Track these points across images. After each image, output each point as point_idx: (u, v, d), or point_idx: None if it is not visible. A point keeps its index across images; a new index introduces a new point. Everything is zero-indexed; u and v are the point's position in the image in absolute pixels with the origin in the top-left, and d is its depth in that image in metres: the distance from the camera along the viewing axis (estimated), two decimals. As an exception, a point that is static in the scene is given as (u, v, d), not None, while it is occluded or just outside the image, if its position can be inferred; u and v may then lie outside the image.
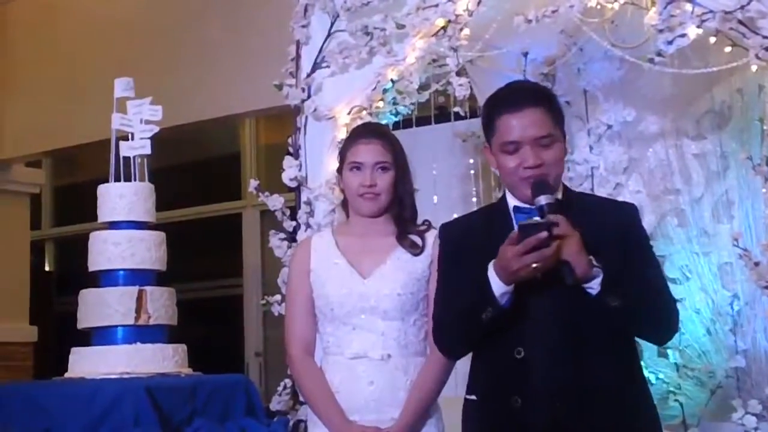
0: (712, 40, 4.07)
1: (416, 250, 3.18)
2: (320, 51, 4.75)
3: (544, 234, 2.47)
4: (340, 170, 3.27)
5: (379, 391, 3.11)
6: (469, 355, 2.76)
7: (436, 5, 4.36)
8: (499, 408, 2.64)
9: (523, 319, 2.61)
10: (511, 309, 2.58)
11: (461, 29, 4.40)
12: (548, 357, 2.60)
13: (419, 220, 3.26)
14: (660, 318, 2.70)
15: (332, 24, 4.73)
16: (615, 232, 2.64)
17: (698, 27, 3.93)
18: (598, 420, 2.58)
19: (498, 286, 2.55)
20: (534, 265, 2.48)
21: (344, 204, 3.35)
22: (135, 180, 4.69)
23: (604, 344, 2.61)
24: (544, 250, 2.47)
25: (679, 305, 4.63)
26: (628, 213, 2.74)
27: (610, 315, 2.57)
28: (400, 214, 3.22)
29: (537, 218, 2.55)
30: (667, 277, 4.68)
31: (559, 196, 2.67)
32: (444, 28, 4.43)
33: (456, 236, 2.83)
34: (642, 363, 2.86)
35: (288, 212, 4.83)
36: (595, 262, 2.52)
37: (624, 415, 2.61)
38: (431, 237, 3.21)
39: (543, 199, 2.58)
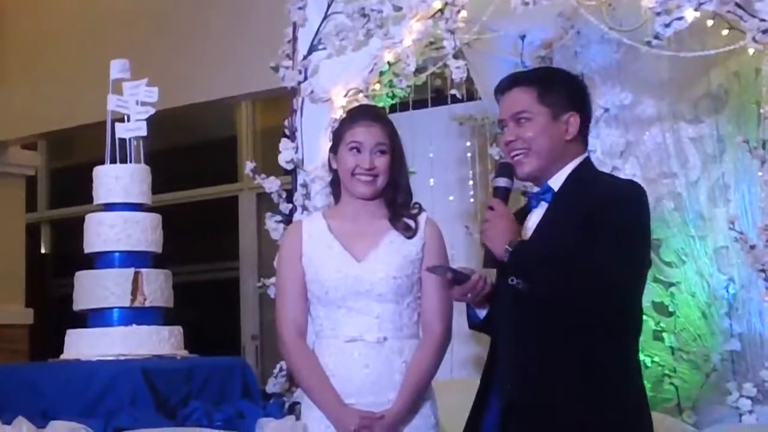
0: (710, 23, 4.08)
1: (409, 232, 3.18)
2: (317, 33, 4.74)
3: (448, 276, 2.85)
4: (334, 150, 3.26)
5: (374, 374, 3.12)
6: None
7: (434, -13, 4.36)
8: (480, 388, 2.89)
9: (493, 308, 2.88)
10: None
11: (458, 12, 4.40)
12: (505, 345, 2.80)
13: (412, 203, 3.26)
14: (577, 303, 2.64)
15: (329, 6, 4.72)
16: (581, 212, 2.68)
17: (695, 10, 3.93)
18: (546, 408, 2.67)
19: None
20: (468, 296, 2.83)
21: (333, 185, 3.34)
22: (131, 162, 4.67)
23: (552, 334, 2.68)
24: (464, 287, 2.81)
25: (674, 289, 4.72)
26: (609, 193, 2.73)
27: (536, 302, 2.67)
28: (394, 197, 3.22)
29: (443, 266, 2.95)
30: (662, 260, 4.77)
31: (562, 177, 2.80)
32: (441, 10, 4.42)
33: None
34: (621, 354, 2.74)
35: (284, 195, 4.83)
36: (508, 246, 2.68)
37: (575, 405, 2.65)
38: (423, 219, 3.22)
39: (500, 182, 2.85)
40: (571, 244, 2.62)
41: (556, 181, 2.83)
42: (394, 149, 3.21)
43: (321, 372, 3.14)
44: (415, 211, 3.23)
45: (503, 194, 2.84)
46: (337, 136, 3.27)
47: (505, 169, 2.88)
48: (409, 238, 3.17)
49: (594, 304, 2.62)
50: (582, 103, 2.89)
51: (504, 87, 2.89)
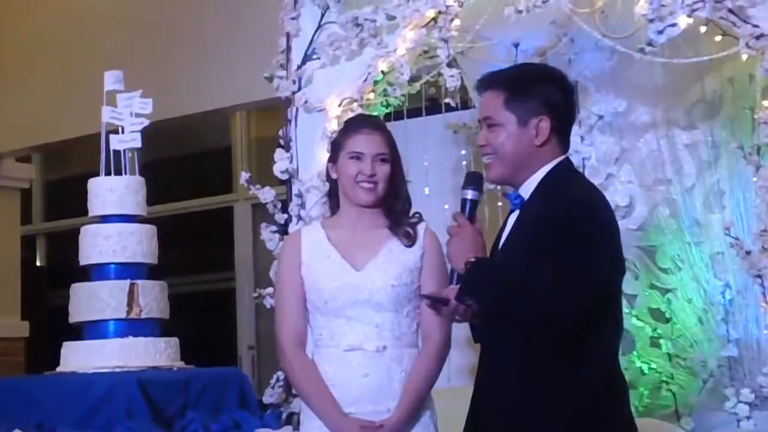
0: (703, 29, 4.08)
1: (409, 241, 3.18)
2: (310, 43, 4.75)
3: (427, 303, 2.95)
4: (333, 159, 3.27)
5: (374, 383, 3.11)
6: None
7: (427, -4, 4.36)
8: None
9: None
10: None
11: (452, 20, 4.40)
12: (481, 357, 2.79)
13: (410, 212, 3.27)
14: (512, 321, 2.60)
15: (322, 16, 4.73)
16: (528, 228, 2.64)
17: (688, 16, 3.94)
18: (498, 418, 2.66)
19: None
20: (456, 317, 2.83)
21: (331, 195, 3.34)
22: (125, 173, 4.68)
23: (500, 360, 2.67)
24: (448, 309, 2.82)
25: (671, 295, 4.72)
26: (547, 211, 2.61)
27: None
28: (393, 206, 3.23)
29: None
30: (658, 267, 4.77)
31: (533, 184, 2.74)
32: (434, 19, 4.43)
33: None
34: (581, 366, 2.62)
35: (279, 205, 4.83)
36: (464, 265, 2.66)
37: (524, 417, 2.62)
38: (422, 229, 3.23)
39: (468, 193, 2.80)
40: (523, 261, 2.57)
41: (526, 189, 2.76)
42: (393, 158, 3.22)
43: (320, 381, 3.14)
44: (414, 220, 3.24)
45: (471, 207, 2.79)
46: (337, 146, 3.27)
47: (474, 180, 2.83)
48: (409, 246, 3.17)
49: (532, 330, 2.55)
50: (555, 105, 2.74)
51: (479, 87, 2.85)
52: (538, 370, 2.59)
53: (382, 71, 4.57)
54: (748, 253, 4.08)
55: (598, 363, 2.65)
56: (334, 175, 3.27)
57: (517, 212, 2.78)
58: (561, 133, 2.77)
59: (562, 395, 2.58)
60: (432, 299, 2.93)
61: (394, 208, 3.23)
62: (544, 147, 2.74)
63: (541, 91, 2.74)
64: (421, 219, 3.26)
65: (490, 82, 2.82)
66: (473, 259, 2.67)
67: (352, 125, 3.30)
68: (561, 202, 2.63)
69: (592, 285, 2.58)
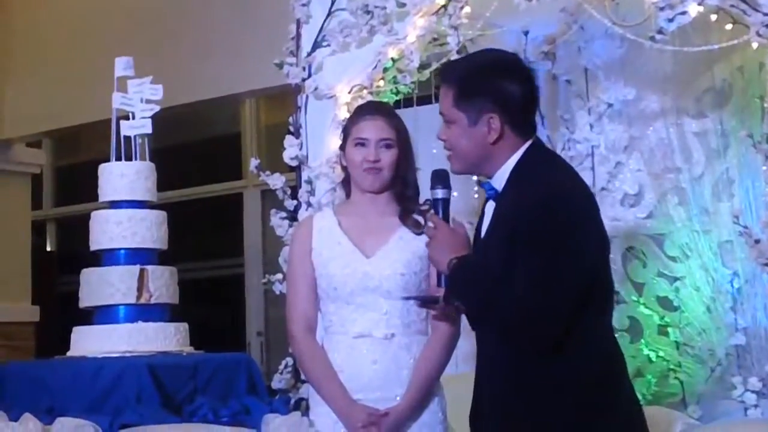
0: (713, 17, 4.07)
1: (419, 228, 3.19)
2: (321, 30, 4.75)
3: (417, 303, 3.09)
4: (343, 147, 3.28)
5: (382, 370, 3.13)
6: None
7: (437, -17, 4.36)
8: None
9: None
10: None
11: (462, 8, 4.40)
12: (477, 345, 2.76)
13: (420, 200, 3.27)
14: (497, 322, 2.58)
15: (333, 2, 4.73)
16: (508, 225, 2.58)
17: (699, 4, 3.93)
18: (485, 425, 2.68)
19: None
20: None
21: (345, 183, 3.36)
22: (136, 159, 4.69)
23: (492, 351, 2.66)
24: (439, 308, 2.94)
25: (679, 283, 4.73)
26: (524, 203, 2.55)
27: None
28: (403, 192, 3.24)
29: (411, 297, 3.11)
30: (667, 255, 4.77)
31: (505, 175, 2.68)
32: (444, 6, 4.42)
33: None
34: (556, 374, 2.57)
35: (289, 191, 4.84)
36: (446, 267, 2.65)
37: (503, 424, 2.62)
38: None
39: (438, 193, 2.80)
40: (501, 258, 2.55)
41: (498, 180, 2.71)
42: (400, 144, 3.22)
43: (330, 367, 3.16)
44: (425, 208, 3.25)
45: (442, 206, 2.77)
46: (345, 133, 3.28)
47: (441, 178, 2.80)
48: (419, 234, 3.18)
49: (518, 330, 2.52)
50: (506, 100, 2.65)
51: (439, 79, 2.82)
52: (527, 362, 2.56)
53: (392, 58, 4.57)
54: (757, 241, 4.08)
55: (590, 350, 2.58)
56: (344, 163, 3.29)
57: (492, 202, 2.74)
58: (518, 124, 2.69)
59: (554, 386, 2.55)
60: (421, 300, 2.95)
61: (404, 195, 3.24)
62: (499, 143, 2.67)
63: (490, 88, 2.67)
64: (430, 207, 3.27)
65: (443, 75, 2.80)
66: (455, 260, 2.64)
67: (358, 112, 3.31)
68: (534, 191, 2.56)
69: (576, 273, 2.50)
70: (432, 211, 2.83)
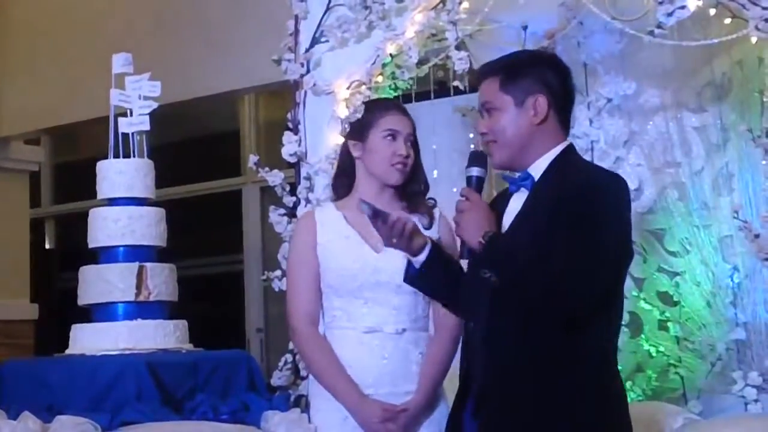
0: (712, 11, 4.07)
1: (427, 222, 3.20)
2: (319, 25, 4.73)
3: (368, 212, 2.87)
4: (360, 138, 3.25)
5: (392, 365, 3.13)
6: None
7: (435, -22, 4.35)
8: (461, 373, 2.84)
9: (463, 298, 2.89)
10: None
11: (460, 3, 4.39)
12: (475, 335, 2.77)
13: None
14: (528, 295, 2.62)
15: (330, -2, 4.71)
16: (553, 203, 2.64)
17: (698, -1, 3.92)
18: (512, 400, 2.66)
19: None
20: (394, 240, 2.84)
21: (341, 175, 3.33)
22: (134, 156, 4.68)
23: (521, 327, 2.66)
24: (388, 229, 2.84)
25: (679, 278, 4.72)
26: (572, 187, 2.65)
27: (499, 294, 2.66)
28: (412, 188, 3.25)
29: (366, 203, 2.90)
30: (667, 250, 4.77)
31: (544, 164, 2.76)
32: (443, 1, 4.42)
33: None
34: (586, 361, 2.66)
35: (288, 188, 4.83)
36: (482, 238, 2.66)
37: (519, 406, 2.65)
38: (437, 214, 3.24)
39: (473, 171, 2.82)
40: (540, 237, 2.60)
41: (536, 169, 2.78)
42: (416, 141, 3.27)
43: (337, 361, 3.15)
44: (431, 204, 3.26)
45: (477, 184, 2.82)
46: (367, 124, 3.26)
47: (478, 158, 2.86)
48: (427, 229, 3.18)
49: (548, 300, 2.58)
50: (550, 84, 2.79)
51: (478, 78, 2.90)
52: (536, 347, 2.63)
53: (391, 54, 4.56)
54: (757, 236, 4.08)
55: (595, 345, 2.68)
56: (356, 153, 3.26)
57: (521, 194, 2.79)
58: (560, 113, 2.80)
59: (569, 362, 2.62)
60: (372, 208, 2.86)
61: (412, 190, 3.24)
62: (544, 126, 2.77)
63: (535, 72, 2.79)
64: (436, 204, 3.28)
65: (485, 69, 2.89)
66: (490, 233, 2.67)
67: (381, 105, 3.31)
68: (585, 176, 2.70)
69: (604, 265, 2.60)
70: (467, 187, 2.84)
